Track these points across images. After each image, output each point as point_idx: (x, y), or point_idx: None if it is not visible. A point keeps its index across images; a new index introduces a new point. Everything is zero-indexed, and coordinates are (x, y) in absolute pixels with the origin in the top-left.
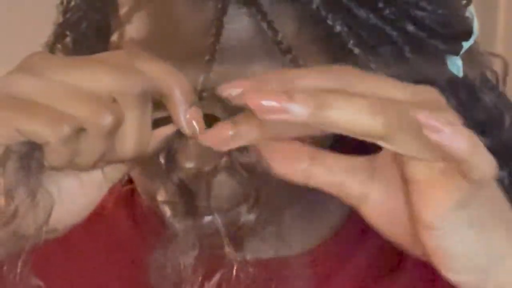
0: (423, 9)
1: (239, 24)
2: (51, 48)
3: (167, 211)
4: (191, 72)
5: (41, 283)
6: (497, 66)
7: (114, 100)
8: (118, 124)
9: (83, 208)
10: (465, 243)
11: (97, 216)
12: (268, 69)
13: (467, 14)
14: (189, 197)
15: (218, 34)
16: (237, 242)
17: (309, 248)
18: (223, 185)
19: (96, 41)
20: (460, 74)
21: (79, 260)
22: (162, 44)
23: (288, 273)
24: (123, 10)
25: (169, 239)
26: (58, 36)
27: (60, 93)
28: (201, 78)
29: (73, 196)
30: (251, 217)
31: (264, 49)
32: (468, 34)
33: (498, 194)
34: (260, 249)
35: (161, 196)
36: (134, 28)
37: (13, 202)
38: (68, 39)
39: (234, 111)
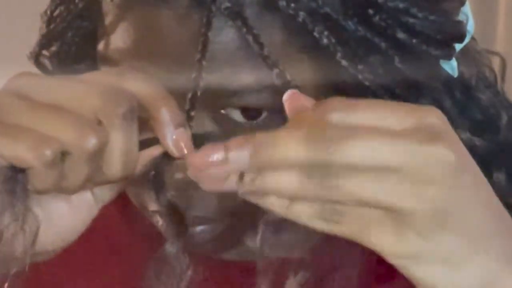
0: (414, 16)
1: (225, 37)
2: (36, 58)
3: (159, 220)
4: (178, 87)
5: None
6: (496, 64)
7: (100, 122)
8: (102, 146)
9: (73, 230)
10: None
11: (96, 225)
12: (255, 81)
13: (462, 14)
14: (178, 218)
15: (203, 50)
16: (228, 249)
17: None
18: (212, 195)
19: (82, 51)
20: (455, 74)
21: (72, 262)
22: (147, 57)
23: (277, 278)
24: (108, 20)
25: (160, 260)
26: (43, 46)
27: (44, 116)
28: (188, 96)
29: (62, 218)
30: (240, 225)
31: (251, 61)
32: (461, 37)
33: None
34: (250, 254)
35: (152, 207)
36: (120, 38)
37: None
38: (54, 49)
39: (225, 130)
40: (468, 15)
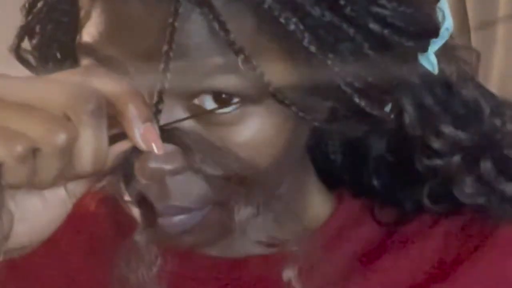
0: (383, 6)
1: (193, 25)
2: (16, 51)
3: (135, 211)
4: (148, 77)
5: None
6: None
7: (69, 118)
8: (72, 142)
9: (48, 224)
10: None
11: (80, 216)
12: (223, 67)
13: (438, 10)
14: (147, 209)
15: (170, 42)
16: (209, 240)
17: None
18: (188, 184)
19: (62, 44)
20: (435, 70)
21: (60, 260)
22: (120, 47)
23: (269, 272)
24: (82, 10)
25: (129, 250)
26: (20, 38)
27: (15, 114)
28: (156, 88)
29: (37, 214)
30: (216, 216)
31: (219, 48)
32: (434, 31)
33: None
34: (238, 247)
35: (127, 197)
36: (94, 28)
37: None
38: (34, 42)
39: (199, 121)
40: (444, 11)
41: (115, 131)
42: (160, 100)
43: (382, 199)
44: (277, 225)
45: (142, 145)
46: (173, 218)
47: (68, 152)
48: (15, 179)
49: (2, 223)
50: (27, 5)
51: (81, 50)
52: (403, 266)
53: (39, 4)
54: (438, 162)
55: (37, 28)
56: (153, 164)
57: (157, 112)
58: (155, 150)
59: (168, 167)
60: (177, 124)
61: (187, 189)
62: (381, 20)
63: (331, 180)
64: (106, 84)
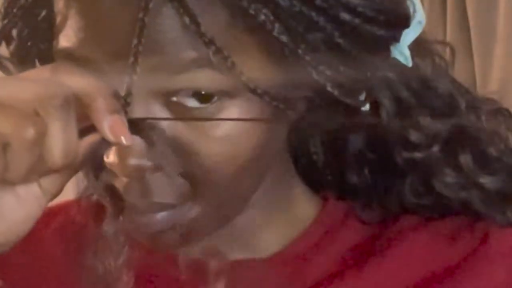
0: None
1: (165, 20)
2: None
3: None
4: (119, 72)
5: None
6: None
7: (37, 113)
8: (40, 135)
9: (23, 222)
10: None
11: (70, 222)
12: (197, 61)
13: (409, 3)
14: (115, 198)
15: (140, 36)
16: (186, 241)
17: (277, 249)
18: (168, 180)
19: (39, 48)
20: (409, 63)
21: (45, 264)
22: (93, 44)
23: (253, 275)
24: (59, 17)
25: (97, 239)
26: None
27: None
28: (125, 83)
29: (11, 212)
30: (196, 214)
31: (192, 42)
32: (405, 20)
33: None
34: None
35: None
36: (69, 31)
37: None
38: (12, 48)
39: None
40: (415, 4)
41: (84, 124)
42: (129, 92)
43: (365, 199)
44: (253, 232)
45: (110, 137)
46: (155, 215)
47: (38, 146)
48: None
49: None
50: (2, 10)
51: (58, 55)
52: (389, 269)
53: (14, 9)
54: (417, 154)
55: (14, 33)
56: (133, 161)
57: (125, 105)
58: (124, 142)
59: (148, 164)
60: (139, 117)
61: (168, 186)
62: (352, 10)
63: (315, 182)
64: (74, 79)
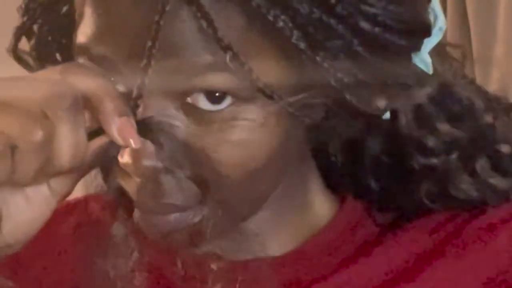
0: (371, 5)
1: (182, 23)
2: (14, 51)
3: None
4: (134, 73)
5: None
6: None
7: (45, 115)
8: (49, 138)
9: (33, 223)
10: None
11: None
12: (213, 65)
13: (430, 10)
14: (126, 201)
15: (155, 38)
16: (198, 241)
17: (291, 248)
18: (174, 182)
19: (59, 43)
20: (430, 70)
21: (61, 261)
22: (110, 44)
23: (266, 273)
24: (77, 13)
25: (108, 243)
26: (17, 39)
27: None
28: (136, 84)
29: (21, 212)
30: (208, 216)
31: (209, 46)
32: (426, 29)
33: None
34: (234, 250)
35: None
36: (86, 28)
37: None
38: (32, 42)
39: (193, 120)
40: (436, 11)
41: (93, 126)
42: (140, 95)
43: (381, 202)
44: (268, 232)
45: (118, 140)
46: (167, 216)
47: (46, 148)
48: None
49: None
50: (23, 5)
51: (76, 50)
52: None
53: (34, 5)
54: (434, 160)
55: (35, 28)
56: (147, 162)
57: (135, 107)
58: (132, 145)
59: (161, 165)
60: (164, 121)
61: (180, 187)
62: (372, 18)
63: (333, 183)
64: (83, 80)
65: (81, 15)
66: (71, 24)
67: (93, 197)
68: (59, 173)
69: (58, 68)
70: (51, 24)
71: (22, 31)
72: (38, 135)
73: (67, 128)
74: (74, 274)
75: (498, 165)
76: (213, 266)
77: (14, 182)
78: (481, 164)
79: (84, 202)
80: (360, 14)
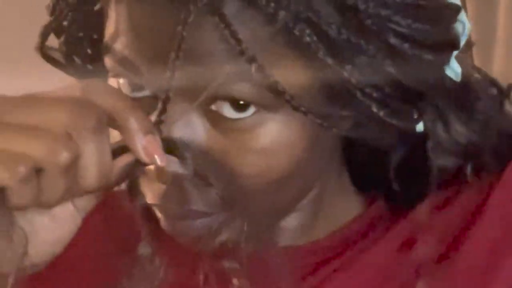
0: (397, 23)
1: (205, 32)
2: (41, 49)
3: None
4: (158, 80)
5: None
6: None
7: (70, 136)
8: (75, 160)
9: (59, 241)
10: None
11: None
12: (237, 75)
13: (458, 22)
14: (152, 221)
15: (178, 49)
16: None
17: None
18: (198, 189)
19: (86, 42)
20: (458, 78)
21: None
22: (132, 49)
23: (285, 261)
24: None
25: (132, 263)
26: (45, 37)
27: (15, 136)
28: (160, 99)
29: (47, 231)
30: (233, 223)
31: (232, 56)
32: (454, 44)
33: None
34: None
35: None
36: (110, 29)
37: None
38: (61, 40)
39: (216, 127)
40: (464, 22)
41: (117, 145)
42: (164, 110)
43: (399, 201)
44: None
45: (144, 158)
46: (194, 222)
47: (72, 170)
48: (21, 201)
49: (14, 243)
50: (51, 4)
51: (104, 50)
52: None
53: (61, 4)
54: (451, 162)
55: (65, 25)
56: (171, 168)
57: (159, 122)
58: (158, 162)
59: (185, 171)
60: (185, 134)
61: (204, 194)
62: (400, 34)
63: (365, 183)
64: (106, 99)
65: (108, 17)
66: (102, 20)
67: (120, 193)
68: (85, 193)
69: (79, 85)
70: (82, 21)
71: (51, 29)
72: (64, 157)
73: (92, 148)
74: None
75: (503, 152)
76: (235, 282)
77: (40, 204)
78: (488, 158)
79: (111, 197)
80: (390, 30)
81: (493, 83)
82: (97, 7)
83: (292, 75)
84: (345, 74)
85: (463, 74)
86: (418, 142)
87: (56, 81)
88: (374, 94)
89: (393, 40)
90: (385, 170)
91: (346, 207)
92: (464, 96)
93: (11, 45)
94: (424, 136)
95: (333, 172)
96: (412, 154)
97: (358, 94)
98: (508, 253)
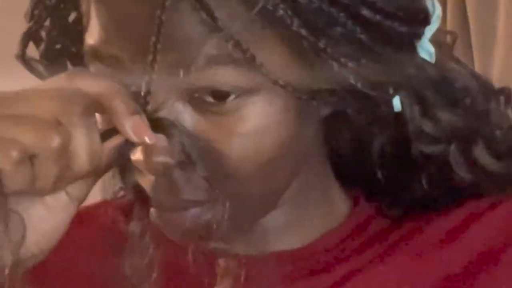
0: None
1: (184, 17)
2: (22, 58)
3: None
4: (142, 70)
5: None
6: None
7: (59, 123)
8: (65, 144)
9: (54, 230)
10: None
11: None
12: (215, 57)
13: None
14: (143, 200)
15: (158, 34)
16: (215, 237)
17: (307, 243)
18: (187, 178)
19: (67, 48)
20: (433, 59)
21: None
22: (114, 42)
23: (279, 267)
24: (85, 17)
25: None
26: (25, 45)
27: (7, 125)
28: (144, 81)
29: (42, 221)
30: (223, 211)
31: (210, 38)
32: (425, 16)
33: None
34: (249, 245)
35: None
36: (93, 29)
37: None
38: (41, 48)
39: (200, 112)
40: (434, 1)
41: (107, 128)
42: (148, 91)
43: (391, 197)
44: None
45: (133, 137)
46: (186, 213)
47: (64, 154)
48: (16, 185)
49: (8, 229)
50: (29, 11)
51: (87, 54)
52: (419, 267)
53: (39, 10)
54: (435, 148)
55: (42, 34)
56: (158, 158)
57: (145, 104)
58: (147, 141)
59: (173, 161)
60: (172, 116)
61: (193, 183)
62: (372, 6)
63: (345, 180)
64: (92, 85)
65: (87, 17)
66: (79, 29)
67: (111, 202)
68: (78, 177)
69: (64, 75)
70: (59, 29)
71: (29, 36)
72: (55, 141)
73: (82, 133)
74: (92, 280)
75: (495, 149)
76: (222, 263)
77: (35, 191)
78: (479, 150)
79: (103, 206)
80: (360, 1)
81: (474, 75)
82: (73, 15)
83: (270, 53)
84: (320, 45)
85: (440, 61)
86: (399, 129)
87: None
88: (350, 64)
89: (365, 12)
90: (369, 158)
91: (331, 204)
92: (443, 80)
93: (10, 45)
94: (404, 122)
95: (317, 162)
96: (394, 140)
97: (335, 65)
98: None
